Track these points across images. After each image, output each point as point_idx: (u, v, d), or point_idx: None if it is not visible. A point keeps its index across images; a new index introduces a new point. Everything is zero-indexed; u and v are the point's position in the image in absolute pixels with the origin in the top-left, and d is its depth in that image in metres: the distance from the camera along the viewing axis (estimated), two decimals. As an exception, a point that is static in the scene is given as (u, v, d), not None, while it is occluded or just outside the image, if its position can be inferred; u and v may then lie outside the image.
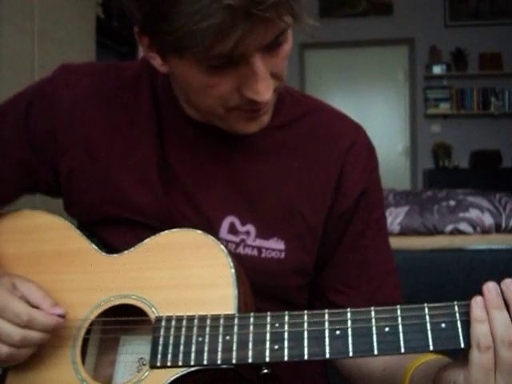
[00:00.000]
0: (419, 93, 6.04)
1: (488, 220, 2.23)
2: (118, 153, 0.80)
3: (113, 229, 0.80)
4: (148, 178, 0.79)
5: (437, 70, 5.95)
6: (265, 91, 0.66)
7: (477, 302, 0.59)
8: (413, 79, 6.07)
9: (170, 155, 0.79)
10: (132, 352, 0.76)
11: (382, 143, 6.18)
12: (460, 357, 0.62)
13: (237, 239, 0.77)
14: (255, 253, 0.77)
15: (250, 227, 0.78)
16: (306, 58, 6.20)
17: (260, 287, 0.75)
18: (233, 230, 0.77)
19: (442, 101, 5.98)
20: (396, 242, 2.27)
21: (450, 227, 2.23)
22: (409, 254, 2.13)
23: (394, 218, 2.28)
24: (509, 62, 5.84)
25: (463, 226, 2.22)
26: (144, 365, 0.74)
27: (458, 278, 2.01)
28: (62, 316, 0.70)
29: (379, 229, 0.84)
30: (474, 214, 2.25)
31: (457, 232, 2.23)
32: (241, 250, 0.77)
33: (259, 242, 0.77)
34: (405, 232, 2.26)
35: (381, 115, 6.20)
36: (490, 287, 0.60)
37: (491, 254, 2.09)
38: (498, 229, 2.23)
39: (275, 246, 0.78)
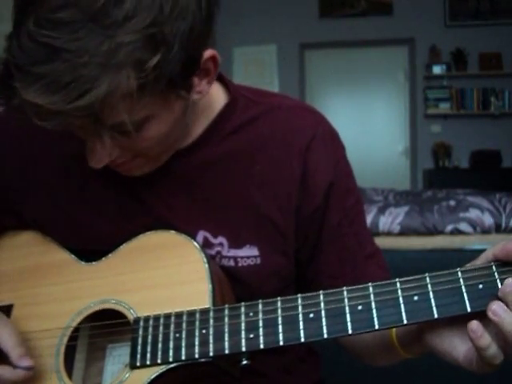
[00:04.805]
0: (419, 93, 6.04)
1: (488, 220, 2.23)
2: (74, 187, 0.80)
3: (87, 255, 0.80)
4: (106, 208, 0.79)
5: (437, 70, 5.95)
6: (93, 162, 0.68)
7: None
8: (413, 79, 6.07)
9: (129, 180, 0.78)
10: (119, 360, 0.77)
11: (381, 143, 6.20)
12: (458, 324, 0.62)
13: (213, 252, 0.77)
14: (232, 263, 0.77)
15: (222, 239, 0.77)
16: (306, 57, 6.20)
17: (240, 298, 0.74)
18: (207, 243, 0.77)
19: (442, 101, 5.98)
20: (396, 242, 2.28)
21: (450, 227, 2.23)
22: (409, 253, 2.13)
23: (394, 217, 2.28)
24: (509, 62, 5.84)
25: (463, 226, 2.22)
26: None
27: (458, 278, 2.00)
28: (30, 368, 0.70)
29: (356, 214, 0.83)
30: (473, 213, 2.25)
31: (457, 232, 2.23)
32: (218, 261, 0.77)
33: (233, 252, 0.77)
34: (405, 232, 2.26)
35: (381, 115, 6.20)
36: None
37: (491, 253, 2.09)
38: (498, 229, 2.23)
39: (250, 253, 0.77)
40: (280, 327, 0.64)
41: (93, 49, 0.55)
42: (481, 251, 0.63)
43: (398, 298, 0.62)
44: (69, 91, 0.55)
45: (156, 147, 0.70)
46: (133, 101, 0.59)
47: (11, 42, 0.58)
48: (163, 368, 0.67)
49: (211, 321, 0.67)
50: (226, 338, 0.66)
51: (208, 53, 0.66)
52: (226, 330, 0.66)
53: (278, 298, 0.66)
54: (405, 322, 0.61)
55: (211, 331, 0.66)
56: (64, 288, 0.78)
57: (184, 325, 0.68)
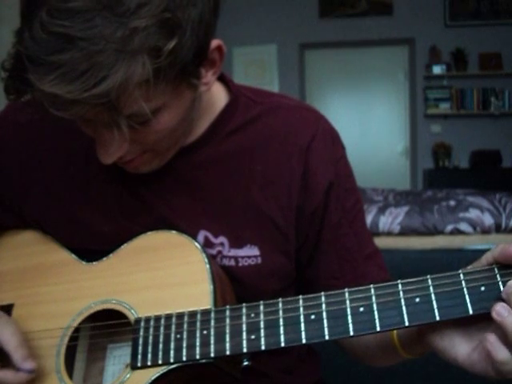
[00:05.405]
0: (419, 93, 6.04)
1: (488, 220, 2.23)
2: (75, 187, 0.80)
3: (87, 254, 0.80)
4: (107, 207, 0.79)
5: (437, 70, 5.94)
6: (104, 156, 0.67)
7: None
8: (413, 79, 6.07)
9: (131, 179, 0.78)
10: (119, 360, 0.77)
11: (382, 143, 6.20)
12: (461, 326, 0.61)
13: (213, 251, 0.77)
14: (232, 263, 0.77)
15: (223, 239, 0.77)
16: (306, 57, 6.20)
17: (241, 298, 0.74)
18: (208, 243, 0.77)
19: (442, 101, 5.98)
20: (396, 242, 2.28)
21: (450, 227, 2.23)
22: (409, 253, 2.13)
23: (394, 217, 2.28)
24: (509, 62, 5.84)
25: (463, 226, 2.23)
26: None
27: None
28: (32, 371, 0.70)
29: (356, 214, 0.83)
30: (473, 214, 2.25)
31: (457, 232, 2.23)
32: (219, 261, 0.77)
33: (234, 252, 0.77)
34: (405, 232, 2.26)
35: (381, 115, 6.20)
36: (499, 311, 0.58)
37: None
38: (498, 229, 2.23)
39: (250, 253, 0.77)
40: (281, 328, 0.64)
41: (108, 36, 0.55)
42: (481, 251, 0.63)
43: (399, 299, 0.62)
44: (85, 79, 0.55)
45: (165, 140, 0.70)
46: (148, 88, 0.59)
47: (22, 35, 0.57)
48: (164, 369, 0.67)
49: (212, 322, 0.67)
50: (228, 339, 0.65)
51: (214, 43, 0.67)
52: (228, 330, 0.66)
53: (280, 299, 0.66)
54: (406, 323, 0.61)
55: (212, 332, 0.66)
56: (65, 288, 0.78)
57: (185, 325, 0.68)
